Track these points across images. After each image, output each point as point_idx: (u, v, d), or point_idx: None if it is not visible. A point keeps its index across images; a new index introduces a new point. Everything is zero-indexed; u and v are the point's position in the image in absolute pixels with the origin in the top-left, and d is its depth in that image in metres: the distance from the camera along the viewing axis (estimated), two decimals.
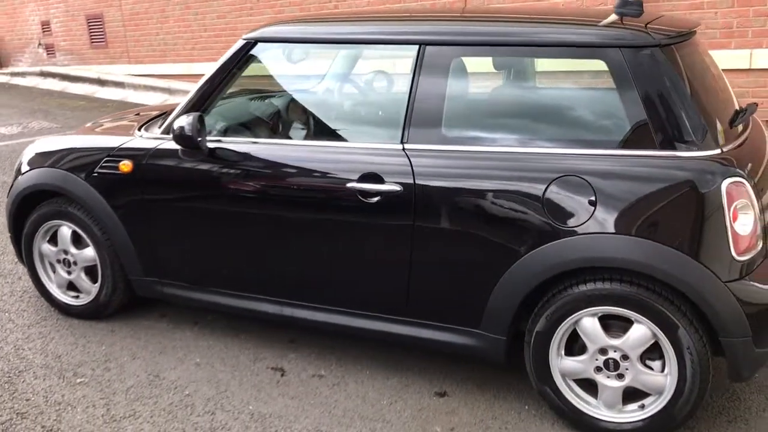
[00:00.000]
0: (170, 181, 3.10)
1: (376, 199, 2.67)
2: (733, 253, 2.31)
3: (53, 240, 3.52)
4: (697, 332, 2.36)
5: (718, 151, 2.38)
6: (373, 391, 2.91)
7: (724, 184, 2.30)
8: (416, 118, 2.67)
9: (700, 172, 2.32)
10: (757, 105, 2.91)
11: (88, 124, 4.04)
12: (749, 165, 2.51)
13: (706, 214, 2.31)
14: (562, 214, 2.43)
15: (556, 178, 2.44)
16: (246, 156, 2.94)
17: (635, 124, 2.42)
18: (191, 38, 10.17)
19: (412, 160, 2.64)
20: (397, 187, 2.64)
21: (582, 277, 2.47)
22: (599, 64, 2.49)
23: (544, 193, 2.45)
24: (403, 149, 2.67)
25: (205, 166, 2.99)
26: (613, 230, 2.37)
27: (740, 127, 2.68)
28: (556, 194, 2.44)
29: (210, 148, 2.98)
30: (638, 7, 2.75)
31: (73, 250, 3.46)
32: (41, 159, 3.46)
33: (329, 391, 2.91)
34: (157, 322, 3.53)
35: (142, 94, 10.47)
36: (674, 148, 2.38)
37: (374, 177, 2.68)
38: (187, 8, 10.14)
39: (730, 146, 2.45)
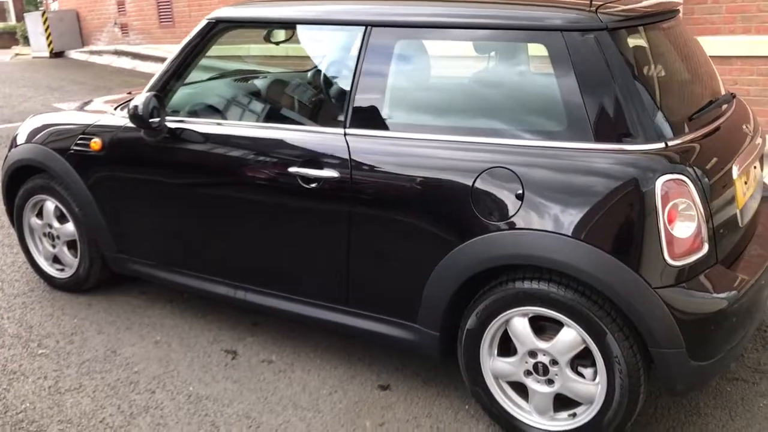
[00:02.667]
0: (134, 160, 3.13)
1: (314, 184, 2.61)
2: (667, 258, 2.11)
3: (40, 214, 3.63)
4: (627, 340, 2.18)
5: (662, 145, 2.18)
6: (316, 380, 2.86)
7: (659, 182, 2.10)
8: (359, 103, 2.58)
9: (634, 167, 2.14)
10: (734, 95, 2.66)
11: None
12: (713, 159, 2.30)
13: (638, 214, 2.12)
14: (489, 207, 2.30)
15: (486, 169, 2.31)
16: (202, 137, 2.93)
17: (571, 114, 2.24)
18: None
19: (351, 146, 2.56)
20: (335, 174, 2.56)
21: (513, 274, 2.33)
22: (540, 49, 2.32)
23: (473, 184, 2.32)
24: (345, 135, 2.59)
25: (162, 146, 3.00)
26: (538, 227, 2.21)
27: (708, 119, 2.45)
28: (485, 186, 2.30)
29: (170, 129, 2.98)
30: None
31: (56, 224, 3.56)
32: (31, 134, 3.56)
33: (273, 377, 2.88)
34: (135, 298, 3.60)
35: None
36: (611, 141, 2.20)
37: (315, 162, 2.61)
38: None
39: (682, 140, 2.24)
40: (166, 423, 2.61)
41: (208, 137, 2.91)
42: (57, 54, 15.04)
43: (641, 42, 2.44)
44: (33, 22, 15.22)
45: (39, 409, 2.70)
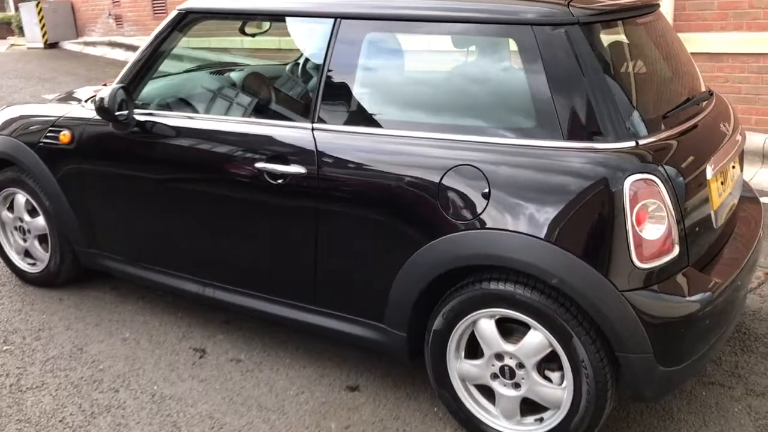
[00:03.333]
0: (102, 154, 3.07)
1: (281, 180, 2.54)
2: (634, 260, 2.05)
3: (12, 207, 3.57)
4: (593, 344, 2.12)
5: (632, 143, 2.12)
6: (284, 380, 2.80)
7: (628, 182, 2.04)
8: (326, 97, 2.52)
9: (603, 166, 2.07)
10: (711, 92, 2.60)
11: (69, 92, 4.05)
12: (687, 159, 2.23)
13: (606, 214, 2.06)
14: (455, 206, 2.23)
15: (453, 167, 2.24)
16: (170, 131, 2.86)
17: (540, 111, 2.18)
18: None
19: (318, 141, 2.49)
20: (302, 170, 2.50)
21: (480, 275, 2.27)
22: (511, 43, 2.26)
23: (439, 182, 2.26)
24: (312, 129, 2.52)
25: (131, 139, 2.94)
26: (503, 226, 2.15)
27: (684, 117, 2.38)
28: (451, 184, 2.24)
29: (139, 122, 2.92)
30: None
31: (27, 218, 3.50)
32: (2, 126, 3.49)
33: (240, 377, 2.82)
34: (106, 294, 3.54)
35: None
36: (580, 139, 2.13)
37: (282, 158, 2.55)
38: None
39: (654, 138, 2.17)
40: (127, 423, 2.55)
41: (176, 131, 2.84)
42: (51, 45, 14.94)
43: (617, 37, 2.38)
44: (27, 13, 15.10)
45: None
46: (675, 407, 2.61)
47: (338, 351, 2.97)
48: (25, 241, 3.56)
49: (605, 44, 2.26)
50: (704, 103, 2.58)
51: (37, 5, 14.62)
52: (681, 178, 2.16)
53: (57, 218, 3.33)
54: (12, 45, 17.66)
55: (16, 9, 22.43)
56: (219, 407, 2.64)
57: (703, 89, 2.75)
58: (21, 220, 3.52)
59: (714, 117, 2.56)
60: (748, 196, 2.90)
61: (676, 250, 2.12)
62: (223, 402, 2.67)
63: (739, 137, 2.70)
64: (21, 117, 3.44)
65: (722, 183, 2.43)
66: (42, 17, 14.70)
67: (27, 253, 3.61)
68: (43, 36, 14.84)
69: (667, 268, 2.11)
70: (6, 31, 21.20)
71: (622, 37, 2.42)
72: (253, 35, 3.44)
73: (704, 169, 2.27)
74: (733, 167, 2.60)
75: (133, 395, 2.71)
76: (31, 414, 2.60)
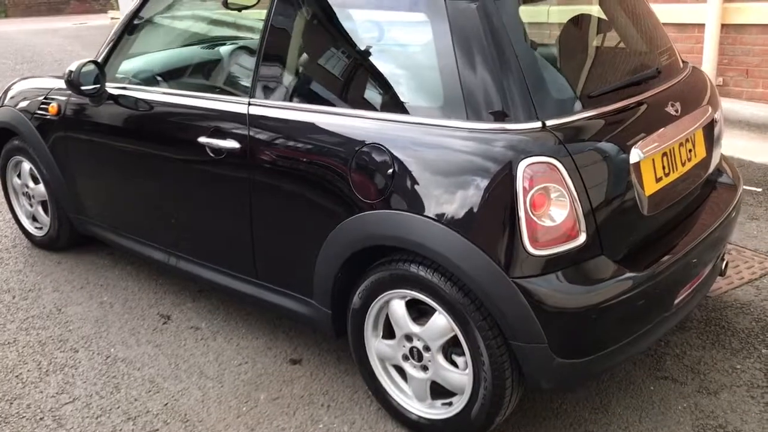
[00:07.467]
0: (81, 125, 3.22)
1: (220, 155, 2.59)
2: (527, 247, 1.96)
3: (21, 174, 3.80)
4: (490, 330, 2.06)
5: (538, 124, 2.02)
6: (232, 350, 2.87)
7: (523, 165, 1.95)
8: (262, 72, 2.53)
9: (502, 148, 1.99)
10: (660, 71, 2.42)
11: None
12: (605, 141, 2.09)
13: (501, 198, 1.97)
14: (363, 185, 2.21)
15: (364, 145, 2.21)
16: (136, 105, 2.96)
17: (448, 91, 2.10)
18: None
19: (251, 117, 2.52)
20: (236, 144, 2.53)
21: (391, 256, 2.24)
22: (422, 17, 2.19)
23: (351, 160, 2.23)
24: (248, 104, 2.55)
25: (102, 112, 3.07)
26: (405, 208, 2.11)
27: (619, 97, 2.24)
28: (361, 163, 2.21)
29: (111, 95, 3.04)
30: None
31: (31, 184, 3.71)
32: (11, 97, 3.71)
33: (193, 345, 2.92)
34: (101, 258, 3.72)
35: None
36: (482, 120, 2.05)
37: (221, 133, 2.59)
38: None
39: (564, 120, 2.05)
40: (74, 382, 2.69)
41: (140, 104, 2.94)
42: None
43: (548, 10, 2.26)
44: None
45: None
46: (614, 401, 2.50)
47: (293, 324, 3.01)
48: (31, 206, 3.79)
49: (523, 18, 2.15)
50: (655, 80, 2.41)
51: None
52: (593, 162, 2.04)
53: (52, 186, 3.52)
54: (113, 18, 18.58)
55: None
56: (162, 372, 2.74)
57: (681, 64, 2.57)
58: (27, 186, 3.75)
59: (665, 96, 2.39)
60: (724, 182, 2.71)
61: (582, 238, 2.01)
62: (168, 367, 2.77)
63: (707, 116, 2.51)
64: (25, 90, 3.64)
65: (663, 168, 2.28)
66: None
67: (34, 218, 3.84)
68: None
69: (570, 256, 2.01)
70: (109, 6, 22.32)
71: (581, 9, 2.29)
72: (239, 9, 3.47)
73: (628, 152, 2.13)
74: (690, 150, 2.43)
75: (90, 356, 2.85)
76: None
